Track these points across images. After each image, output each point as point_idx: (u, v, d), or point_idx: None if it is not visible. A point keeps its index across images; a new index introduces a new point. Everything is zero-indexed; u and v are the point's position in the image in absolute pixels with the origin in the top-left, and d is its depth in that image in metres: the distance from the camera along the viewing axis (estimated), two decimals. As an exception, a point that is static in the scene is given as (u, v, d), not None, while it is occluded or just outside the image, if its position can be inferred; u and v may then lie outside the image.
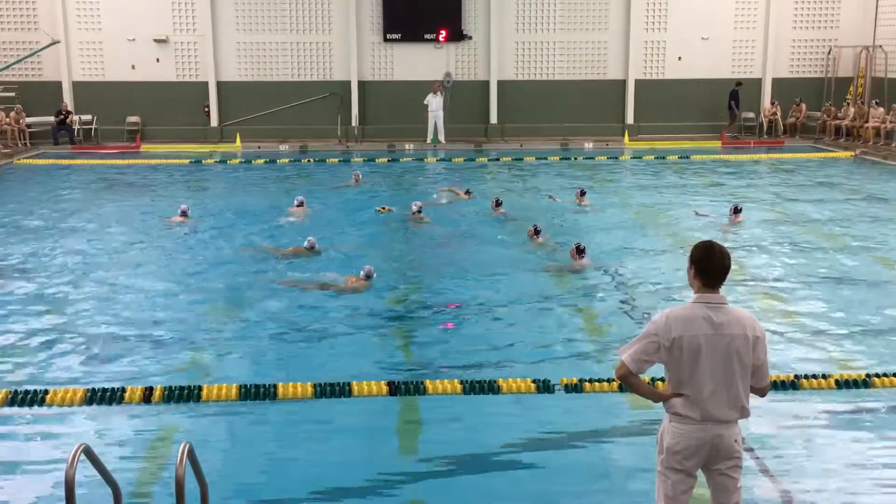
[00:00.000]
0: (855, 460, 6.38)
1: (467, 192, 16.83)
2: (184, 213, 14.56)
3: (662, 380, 4.64)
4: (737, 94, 26.13)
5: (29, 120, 24.76)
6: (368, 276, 10.65)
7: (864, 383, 7.57)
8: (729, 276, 4.48)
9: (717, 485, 4.50)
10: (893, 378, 7.62)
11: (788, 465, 6.28)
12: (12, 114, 24.19)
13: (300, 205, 15.14)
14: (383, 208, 15.36)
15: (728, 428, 4.41)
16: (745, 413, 4.43)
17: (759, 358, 4.45)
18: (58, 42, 24.19)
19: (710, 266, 4.44)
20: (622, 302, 10.26)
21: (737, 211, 14.47)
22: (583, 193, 16.32)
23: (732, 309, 4.46)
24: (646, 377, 4.84)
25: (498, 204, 15.24)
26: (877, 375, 7.67)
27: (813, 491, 5.93)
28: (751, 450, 6.43)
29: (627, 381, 4.54)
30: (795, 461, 6.35)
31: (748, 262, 11.98)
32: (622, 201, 16.94)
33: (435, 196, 16.80)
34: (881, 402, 7.37)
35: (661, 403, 4.55)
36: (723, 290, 4.46)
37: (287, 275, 11.23)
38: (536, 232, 12.84)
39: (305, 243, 12.18)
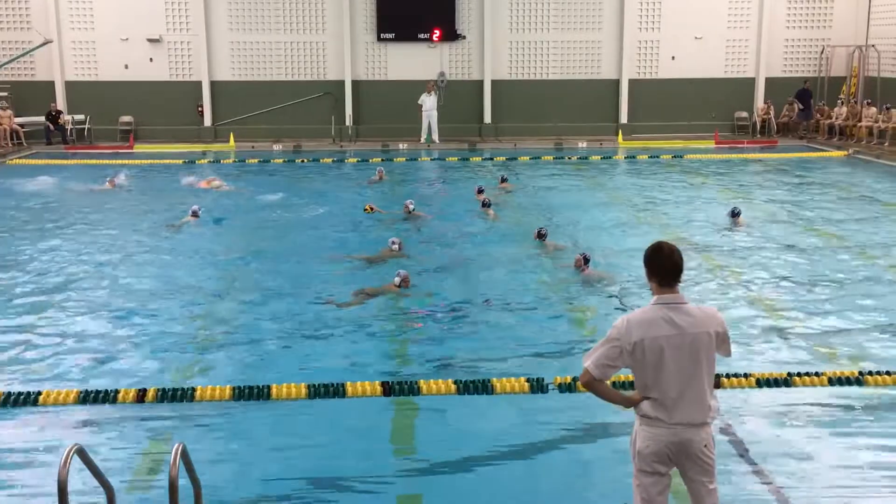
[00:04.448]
0: (847, 457, 6.39)
1: (504, 181, 17.75)
2: (194, 214, 14.57)
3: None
4: (805, 93, 25.88)
5: (21, 120, 24.68)
6: (404, 283, 10.40)
7: (858, 381, 7.59)
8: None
9: (691, 491, 4.50)
10: (886, 376, 7.64)
11: (779, 462, 6.28)
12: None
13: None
14: (370, 208, 15.26)
15: (698, 431, 4.37)
16: (711, 411, 4.40)
17: (725, 350, 4.48)
18: (50, 41, 24.15)
19: (659, 265, 4.45)
20: (615, 300, 10.27)
21: (735, 214, 14.42)
22: (504, 179, 17.83)
23: (693, 308, 4.45)
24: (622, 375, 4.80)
25: (486, 205, 15.23)
26: (870, 373, 7.69)
27: (804, 488, 5.93)
28: (741, 446, 6.48)
29: (592, 388, 4.49)
30: (786, 458, 6.35)
31: (742, 260, 11.99)
32: (617, 201, 16.96)
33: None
34: (874, 400, 7.39)
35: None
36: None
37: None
38: (541, 235, 12.80)
39: (390, 245, 12.09)
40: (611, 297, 10.45)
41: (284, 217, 15.37)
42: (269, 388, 7.40)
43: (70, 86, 25.59)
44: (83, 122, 25.38)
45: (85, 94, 25.45)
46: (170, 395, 7.30)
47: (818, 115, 26.02)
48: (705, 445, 4.39)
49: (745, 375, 7.62)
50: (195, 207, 14.72)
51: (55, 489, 4.36)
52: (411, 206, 14.74)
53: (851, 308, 9.98)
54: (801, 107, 25.99)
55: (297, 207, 16.18)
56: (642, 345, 4.34)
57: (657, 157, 22.85)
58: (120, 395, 7.29)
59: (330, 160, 22.48)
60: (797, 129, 26.13)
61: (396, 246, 12.05)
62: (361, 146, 24.93)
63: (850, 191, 17.94)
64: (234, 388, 7.39)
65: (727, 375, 7.56)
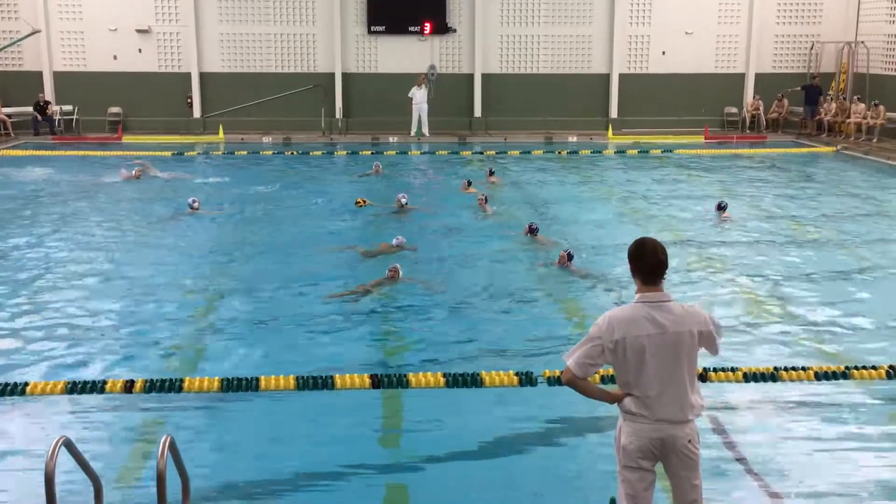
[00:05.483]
0: (833, 452, 6.44)
1: (491, 174, 17.99)
2: (193, 206, 14.50)
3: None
4: (813, 90, 25.52)
5: (9, 110, 24.54)
6: (395, 275, 10.45)
7: (844, 375, 7.64)
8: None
9: (674, 486, 4.50)
10: (872, 370, 7.69)
11: (765, 456, 6.31)
12: None
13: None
14: (362, 201, 15.23)
15: (681, 428, 4.36)
16: (695, 410, 4.39)
17: (713, 349, 4.48)
18: (38, 31, 23.98)
19: (643, 262, 4.41)
20: (601, 295, 10.29)
21: (721, 207, 14.50)
22: (492, 173, 18.09)
23: (676, 306, 4.42)
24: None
25: (485, 200, 15.18)
26: (856, 368, 7.74)
27: (790, 483, 5.97)
28: (728, 440, 6.51)
29: (574, 386, 4.45)
30: (773, 452, 6.39)
31: (728, 254, 12.03)
32: (606, 195, 16.99)
33: None
34: (859, 394, 7.43)
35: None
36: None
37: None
38: (532, 230, 12.78)
39: (394, 241, 12.07)
40: (595, 292, 10.47)
41: (279, 210, 15.27)
42: (257, 379, 7.39)
43: (58, 76, 25.44)
44: (71, 113, 25.22)
45: (73, 85, 25.30)
46: (158, 386, 7.27)
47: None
48: (689, 441, 4.38)
49: (732, 369, 7.66)
50: (194, 200, 14.66)
51: (42, 481, 4.35)
52: (404, 200, 14.71)
53: (837, 302, 10.03)
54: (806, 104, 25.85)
55: (291, 200, 16.12)
56: (624, 343, 4.32)
57: (646, 151, 22.90)
58: (108, 386, 7.26)
59: (320, 153, 22.44)
60: (800, 126, 25.93)
61: (402, 243, 12.02)
62: (351, 139, 24.87)
63: (838, 187, 18.02)
64: (222, 380, 7.38)
65: (714, 370, 7.60)
